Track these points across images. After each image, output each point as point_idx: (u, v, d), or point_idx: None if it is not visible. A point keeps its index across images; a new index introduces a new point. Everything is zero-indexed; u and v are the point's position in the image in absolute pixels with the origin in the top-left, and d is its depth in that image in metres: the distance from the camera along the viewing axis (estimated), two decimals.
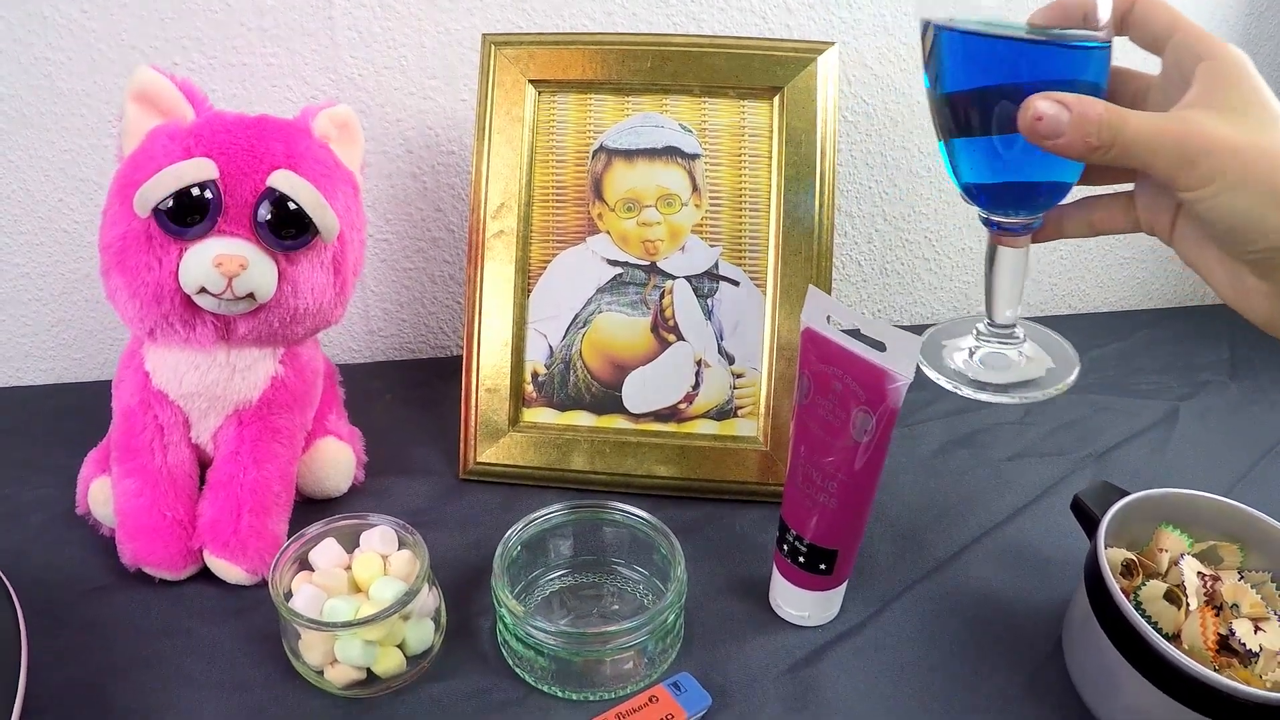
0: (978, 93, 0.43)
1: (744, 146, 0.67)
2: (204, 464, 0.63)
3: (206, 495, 0.61)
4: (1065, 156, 0.39)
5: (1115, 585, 0.49)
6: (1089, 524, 0.56)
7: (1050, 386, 0.49)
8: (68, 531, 0.64)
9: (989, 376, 0.50)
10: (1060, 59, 0.42)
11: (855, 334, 0.50)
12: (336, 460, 0.65)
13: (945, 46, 0.44)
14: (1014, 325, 0.50)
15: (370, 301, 0.85)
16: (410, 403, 0.80)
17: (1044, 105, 0.39)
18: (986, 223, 0.47)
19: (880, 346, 0.48)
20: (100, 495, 0.61)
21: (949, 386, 0.49)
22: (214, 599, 0.59)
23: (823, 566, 0.54)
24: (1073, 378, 0.49)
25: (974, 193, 0.47)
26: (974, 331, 0.51)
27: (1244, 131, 0.38)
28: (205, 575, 0.60)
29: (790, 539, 0.55)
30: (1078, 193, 0.47)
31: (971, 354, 0.51)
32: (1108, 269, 0.96)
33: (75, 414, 0.76)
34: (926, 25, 0.44)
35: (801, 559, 0.54)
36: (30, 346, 0.83)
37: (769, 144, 0.66)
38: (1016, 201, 0.47)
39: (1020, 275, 0.48)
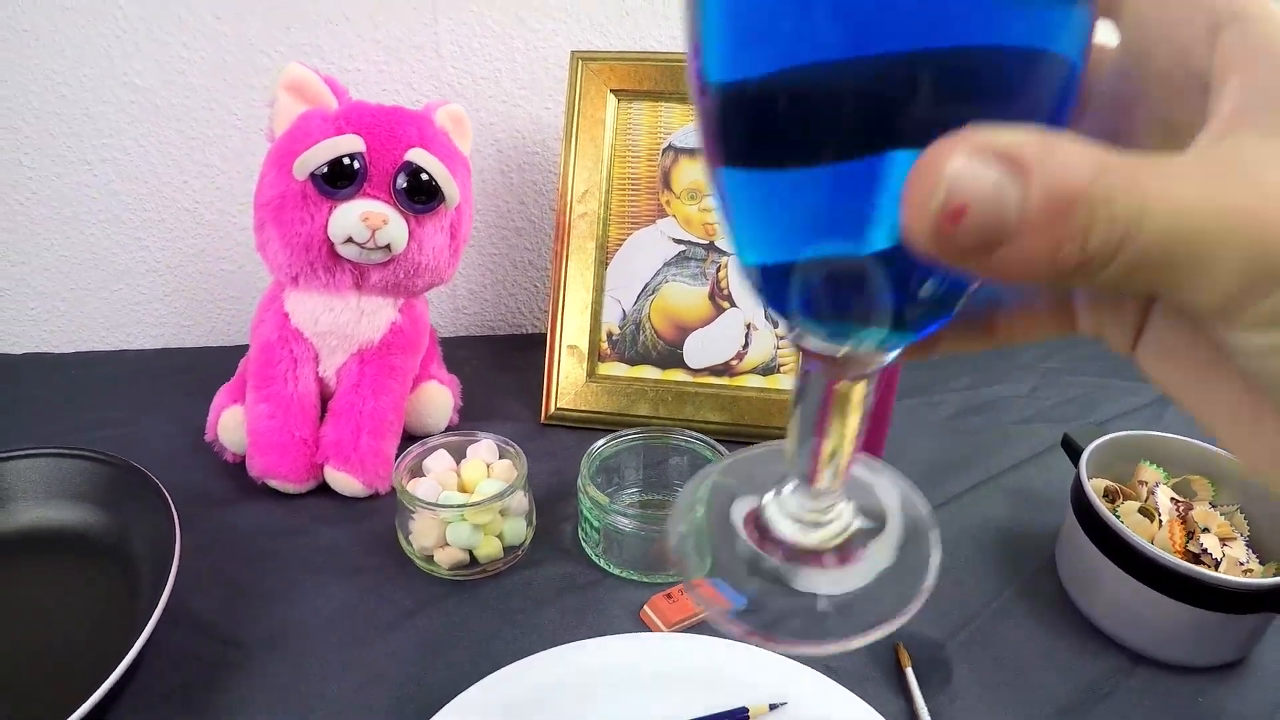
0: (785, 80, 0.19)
1: None
2: (325, 398, 0.73)
3: (329, 420, 0.71)
4: (1013, 281, 0.18)
5: (1095, 496, 0.59)
6: (1075, 454, 0.65)
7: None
8: (191, 457, 0.73)
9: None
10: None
11: None
12: (438, 400, 0.76)
13: None
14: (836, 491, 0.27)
15: (458, 282, 0.97)
16: (493, 368, 0.91)
17: (962, 166, 0.16)
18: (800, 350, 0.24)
19: None
20: (231, 422, 0.71)
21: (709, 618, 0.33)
22: (332, 508, 0.69)
23: None
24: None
25: (768, 283, 0.23)
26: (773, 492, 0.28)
27: None
28: (321, 491, 0.70)
29: None
30: None
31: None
32: None
33: (183, 372, 0.86)
34: None
35: None
36: (143, 314, 0.92)
37: None
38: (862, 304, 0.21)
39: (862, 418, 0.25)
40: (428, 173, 0.67)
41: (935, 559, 0.27)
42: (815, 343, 0.22)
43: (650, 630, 0.58)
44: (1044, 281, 0.18)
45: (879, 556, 0.27)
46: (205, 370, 0.76)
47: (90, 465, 0.65)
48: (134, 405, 0.81)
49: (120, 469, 0.65)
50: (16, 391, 0.84)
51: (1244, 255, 0.16)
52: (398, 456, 0.65)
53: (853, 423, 0.25)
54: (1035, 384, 0.90)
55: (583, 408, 0.80)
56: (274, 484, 0.69)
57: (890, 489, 0.29)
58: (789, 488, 0.27)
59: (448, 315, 0.99)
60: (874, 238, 0.18)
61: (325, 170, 0.65)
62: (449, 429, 0.78)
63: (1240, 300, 0.17)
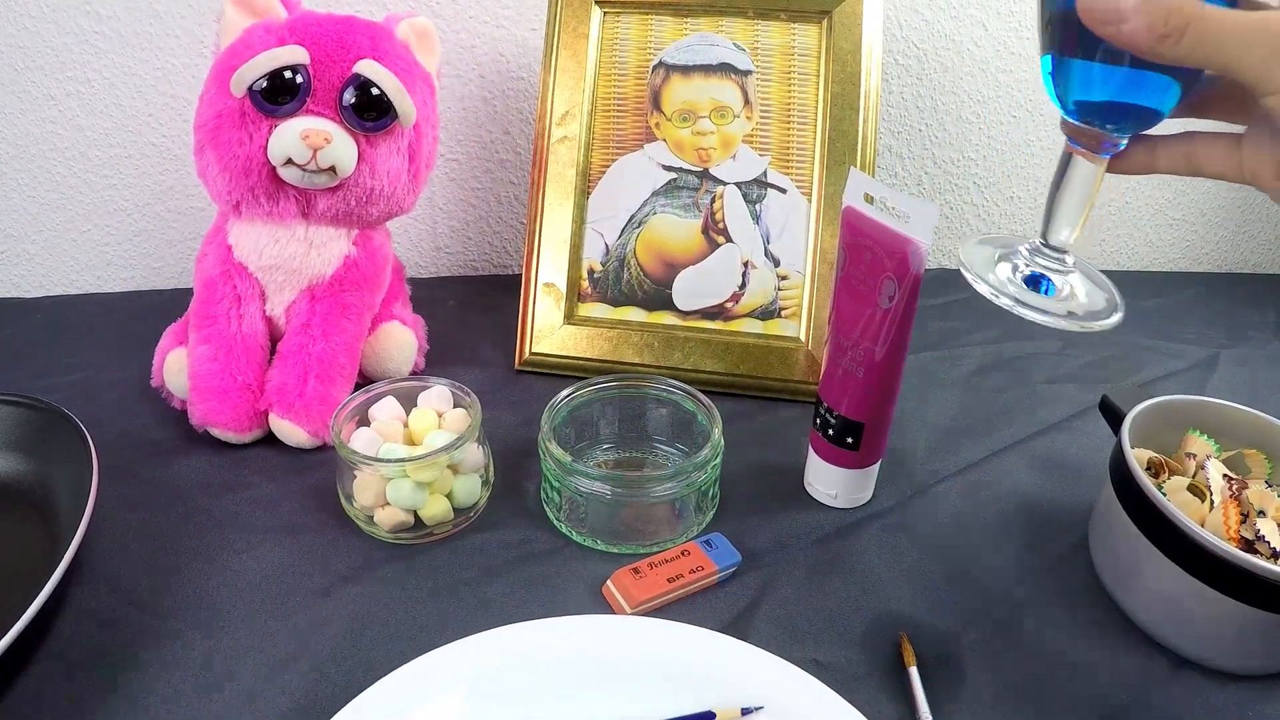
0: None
1: (793, 65, 0.70)
2: (274, 339, 0.67)
3: (276, 363, 0.65)
4: (1129, 49, 0.33)
5: (1139, 468, 0.50)
6: (1115, 420, 0.57)
7: (1091, 321, 0.44)
8: (140, 405, 0.69)
9: (1030, 297, 0.44)
10: None
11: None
12: (399, 342, 0.69)
13: None
14: (1067, 251, 0.44)
15: (438, 219, 0.90)
16: (471, 309, 0.84)
17: None
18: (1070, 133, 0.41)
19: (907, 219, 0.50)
20: (175, 365, 0.65)
21: (988, 294, 0.44)
22: (275, 459, 0.63)
23: (850, 440, 0.56)
24: (1115, 319, 0.44)
25: (1080, 106, 0.41)
26: (1025, 248, 0.46)
27: None
28: (267, 441, 0.65)
29: (823, 412, 0.57)
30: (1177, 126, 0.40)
31: (1016, 270, 0.46)
32: (1157, 229, 0.97)
33: (151, 315, 0.79)
34: None
35: (831, 432, 0.57)
36: (113, 255, 0.88)
37: (817, 63, 0.70)
38: (1104, 116, 0.40)
39: (1088, 197, 0.43)
40: (378, 87, 0.59)
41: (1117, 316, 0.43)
42: (1090, 130, 0.40)
43: (612, 610, 0.51)
44: (1145, 51, 0.33)
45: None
46: (173, 313, 0.70)
47: (15, 411, 0.61)
48: (97, 351, 0.77)
49: (47, 414, 0.60)
50: None
51: (1263, 42, 0.31)
52: (339, 405, 0.58)
53: (1093, 192, 0.42)
54: (1066, 341, 0.80)
55: (560, 353, 0.72)
56: (216, 433, 0.63)
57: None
58: (1035, 241, 0.44)
59: (428, 254, 0.92)
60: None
61: (264, 85, 0.58)
62: (413, 375, 0.71)
63: (1267, 74, 0.31)
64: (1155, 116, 0.39)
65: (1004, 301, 0.43)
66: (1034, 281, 0.44)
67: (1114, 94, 0.39)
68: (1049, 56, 0.39)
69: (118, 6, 0.77)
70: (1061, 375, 0.76)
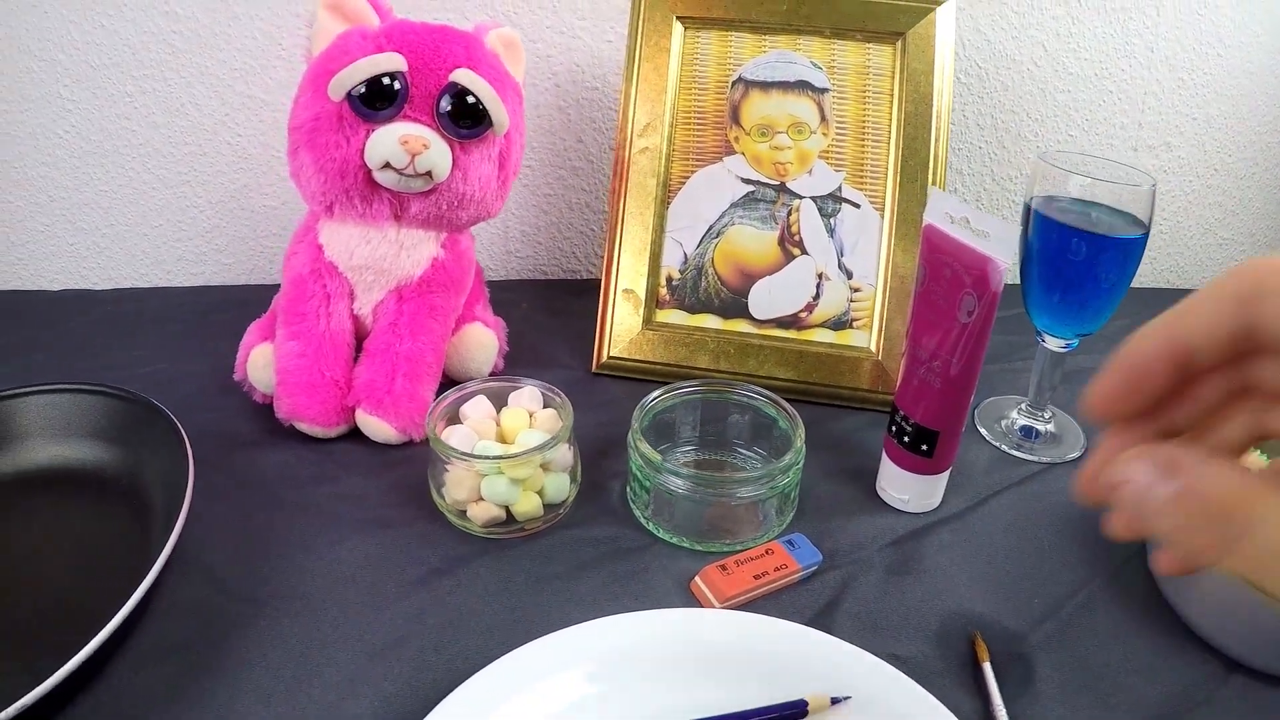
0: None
1: (868, 84, 0.72)
2: (360, 338, 0.68)
3: (363, 361, 0.66)
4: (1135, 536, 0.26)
5: None
6: None
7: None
8: (219, 398, 0.69)
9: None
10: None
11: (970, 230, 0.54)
12: (482, 343, 0.71)
13: None
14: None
15: (510, 223, 0.92)
16: (544, 313, 0.85)
17: (1137, 469, 0.24)
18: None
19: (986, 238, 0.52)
20: (260, 360, 0.67)
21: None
22: (360, 455, 0.65)
23: (924, 448, 0.58)
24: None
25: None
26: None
27: None
28: (351, 437, 0.66)
29: (899, 420, 0.59)
30: None
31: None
32: (1206, 249, 0.98)
33: (221, 310, 0.82)
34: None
35: (907, 439, 0.59)
36: (183, 250, 0.89)
37: (891, 83, 0.72)
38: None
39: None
40: (474, 95, 0.61)
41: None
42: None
43: (701, 605, 0.53)
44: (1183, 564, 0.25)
45: None
46: (244, 310, 0.72)
47: (107, 402, 0.62)
48: (168, 344, 0.78)
49: (138, 406, 0.61)
50: (53, 328, 0.81)
51: None
52: (433, 402, 0.60)
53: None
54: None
55: (637, 357, 0.74)
56: (302, 427, 0.65)
57: None
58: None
59: (499, 258, 0.94)
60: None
61: (363, 90, 0.60)
62: (493, 375, 0.73)
63: None
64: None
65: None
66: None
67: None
68: None
69: (195, 7, 0.78)
70: None
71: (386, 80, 0.60)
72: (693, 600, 0.53)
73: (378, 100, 0.60)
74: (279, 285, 0.69)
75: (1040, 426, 0.70)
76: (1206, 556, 0.23)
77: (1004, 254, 0.51)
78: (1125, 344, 0.26)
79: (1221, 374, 0.26)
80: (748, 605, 0.53)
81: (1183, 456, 0.23)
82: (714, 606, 0.52)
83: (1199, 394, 0.27)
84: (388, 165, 0.61)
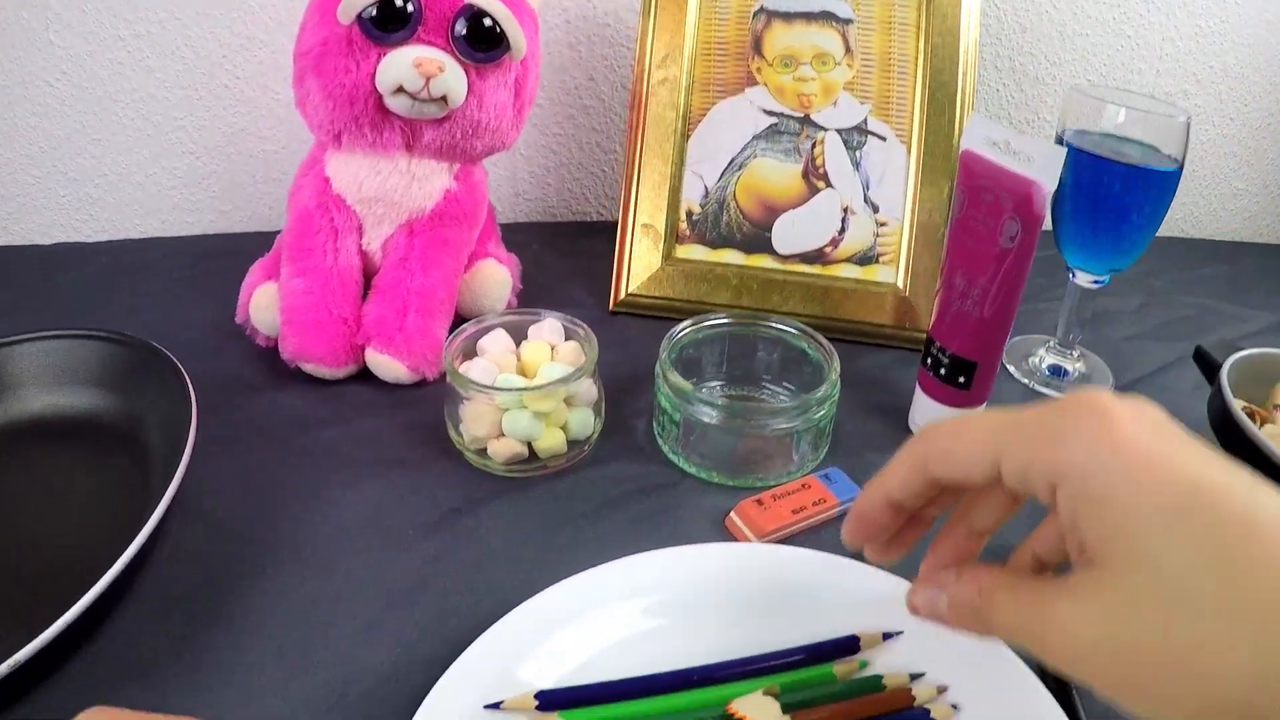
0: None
1: (894, 15, 0.70)
2: (369, 274, 0.66)
3: (372, 297, 0.64)
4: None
5: (1241, 413, 0.52)
6: (1210, 370, 0.59)
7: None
8: (222, 342, 0.67)
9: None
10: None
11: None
12: (495, 279, 0.69)
13: None
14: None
15: (518, 164, 0.89)
16: (553, 253, 0.83)
17: (919, 598, 0.36)
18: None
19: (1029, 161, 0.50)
20: (263, 300, 0.64)
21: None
22: (371, 395, 0.62)
23: (961, 380, 0.56)
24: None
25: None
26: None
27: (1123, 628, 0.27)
28: (360, 377, 0.63)
29: (935, 352, 0.57)
30: None
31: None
32: (1220, 198, 0.97)
33: (219, 257, 0.79)
34: None
35: (943, 371, 0.57)
36: (180, 198, 0.86)
37: (917, 13, 0.70)
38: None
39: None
40: (491, 17, 0.59)
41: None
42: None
43: (738, 540, 0.51)
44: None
45: None
46: (244, 256, 0.69)
47: (104, 346, 0.59)
48: (166, 293, 0.75)
49: (137, 350, 0.58)
50: (47, 282, 0.77)
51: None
52: (449, 336, 0.58)
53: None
54: (1143, 300, 0.81)
55: (657, 294, 0.72)
56: (309, 368, 0.62)
57: None
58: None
59: (506, 199, 0.91)
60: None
61: (374, 12, 0.57)
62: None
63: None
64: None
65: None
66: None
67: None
68: None
69: None
70: (1140, 332, 0.76)
71: (399, 1, 0.57)
72: (727, 536, 0.52)
73: (390, 22, 0.58)
74: (280, 231, 0.66)
75: (1069, 365, 0.69)
76: (981, 634, 0.33)
77: (1048, 178, 0.50)
78: (857, 498, 0.37)
79: (936, 503, 0.36)
80: (786, 541, 0.51)
81: (945, 579, 0.35)
82: (751, 542, 0.50)
83: (930, 513, 0.37)
84: (400, 90, 0.58)
